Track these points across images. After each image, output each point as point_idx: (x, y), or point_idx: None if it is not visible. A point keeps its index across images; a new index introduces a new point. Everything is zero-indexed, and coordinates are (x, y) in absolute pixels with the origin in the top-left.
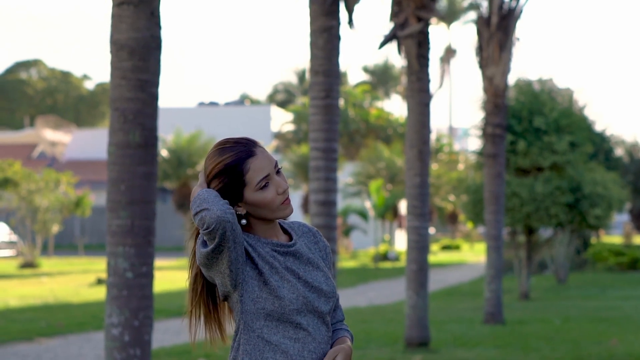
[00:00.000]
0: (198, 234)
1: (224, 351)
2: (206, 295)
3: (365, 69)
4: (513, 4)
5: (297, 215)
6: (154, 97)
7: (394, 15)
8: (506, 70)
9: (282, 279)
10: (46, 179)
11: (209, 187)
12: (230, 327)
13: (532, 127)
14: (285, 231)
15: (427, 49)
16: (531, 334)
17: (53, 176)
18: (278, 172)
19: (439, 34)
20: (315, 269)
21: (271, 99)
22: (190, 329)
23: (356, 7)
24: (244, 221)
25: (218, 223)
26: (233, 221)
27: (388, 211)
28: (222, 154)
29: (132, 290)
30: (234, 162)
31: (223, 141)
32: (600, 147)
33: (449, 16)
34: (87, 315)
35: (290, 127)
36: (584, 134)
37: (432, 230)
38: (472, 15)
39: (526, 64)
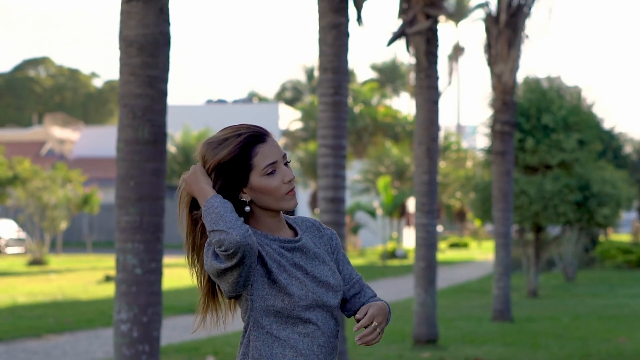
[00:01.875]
0: (194, 221)
1: (232, 348)
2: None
3: (373, 67)
4: (522, 1)
5: (304, 213)
6: (163, 94)
7: (402, 13)
8: (515, 67)
9: (291, 276)
10: (55, 175)
11: (217, 171)
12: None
13: (540, 124)
14: (290, 227)
15: (436, 46)
16: (540, 332)
17: (64, 172)
18: (286, 164)
19: (447, 32)
20: (322, 263)
21: (279, 96)
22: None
23: (365, 4)
24: (247, 208)
25: (237, 248)
26: (252, 242)
27: (396, 209)
28: (235, 139)
29: (141, 286)
30: (243, 146)
31: (236, 127)
32: (608, 144)
33: (457, 14)
34: (95, 312)
35: (299, 125)
36: (592, 132)
37: (440, 228)
38: (480, 13)
39: (535, 62)
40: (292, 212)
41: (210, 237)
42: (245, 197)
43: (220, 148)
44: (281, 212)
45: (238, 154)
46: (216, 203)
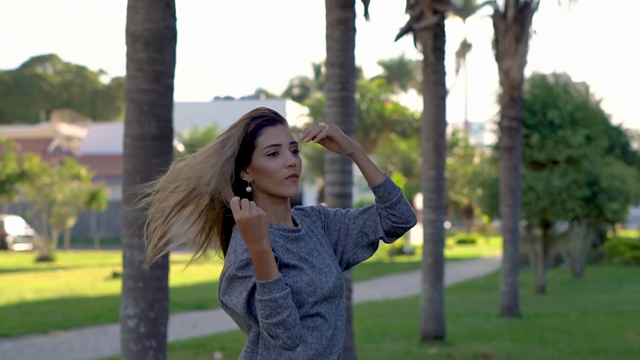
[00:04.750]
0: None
1: (239, 344)
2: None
3: (381, 63)
4: None
5: None
6: (170, 89)
7: (409, 8)
8: (522, 62)
9: (299, 272)
10: (62, 172)
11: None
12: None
13: (546, 120)
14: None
15: (443, 41)
16: (547, 327)
17: (72, 168)
18: (295, 152)
19: (454, 28)
20: (322, 252)
21: (287, 93)
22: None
23: (372, 0)
24: (248, 188)
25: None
26: None
27: None
28: (246, 118)
29: (147, 282)
30: (250, 124)
31: (254, 109)
32: (616, 140)
33: (465, 10)
34: (103, 308)
35: (306, 121)
36: (599, 128)
37: (447, 225)
38: (488, 9)
39: (543, 58)
40: (299, 204)
41: (263, 322)
42: (247, 178)
43: (239, 129)
44: (287, 200)
45: (243, 131)
46: (280, 299)
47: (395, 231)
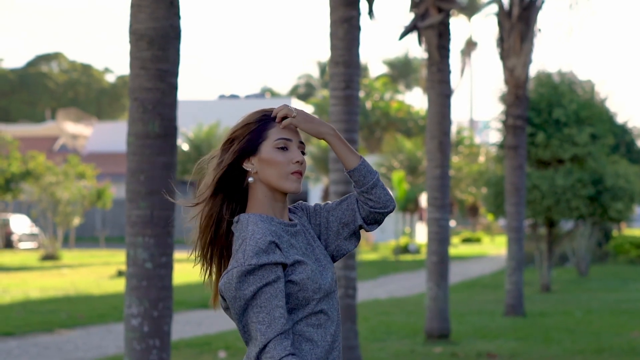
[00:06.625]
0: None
1: (244, 343)
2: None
3: (386, 62)
4: None
5: None
6: (173, 87)
7: (414, 6)
8: (527, 61)
9: (305, 267)
10: (68, 171)
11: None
12: None
13: (551, 119)
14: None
15: (448, 39)
16: (552, 326)
17: (77, 166)
18: (302, 153)
19: (459, 27)
20: (315, 248)
21: (292, 92)
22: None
23: None
24: (251, 179)
25: None
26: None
27: (409, 204)
28: (260, 112)
29: (151, 280)
30: (262, 118)
31: (271, 108)
32: (622, 139)
33: (470, 8)
34: (107, 307)
35: None
36: (605, 126)
37: (452, 223)
38: (493, 7)
39: (548, 56)
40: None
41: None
42: (251, 167)
43: (246, 119)
44: (287, 197)
45: (255, 123)
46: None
47: (374, 217)
